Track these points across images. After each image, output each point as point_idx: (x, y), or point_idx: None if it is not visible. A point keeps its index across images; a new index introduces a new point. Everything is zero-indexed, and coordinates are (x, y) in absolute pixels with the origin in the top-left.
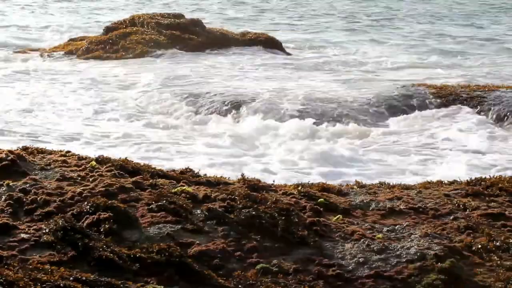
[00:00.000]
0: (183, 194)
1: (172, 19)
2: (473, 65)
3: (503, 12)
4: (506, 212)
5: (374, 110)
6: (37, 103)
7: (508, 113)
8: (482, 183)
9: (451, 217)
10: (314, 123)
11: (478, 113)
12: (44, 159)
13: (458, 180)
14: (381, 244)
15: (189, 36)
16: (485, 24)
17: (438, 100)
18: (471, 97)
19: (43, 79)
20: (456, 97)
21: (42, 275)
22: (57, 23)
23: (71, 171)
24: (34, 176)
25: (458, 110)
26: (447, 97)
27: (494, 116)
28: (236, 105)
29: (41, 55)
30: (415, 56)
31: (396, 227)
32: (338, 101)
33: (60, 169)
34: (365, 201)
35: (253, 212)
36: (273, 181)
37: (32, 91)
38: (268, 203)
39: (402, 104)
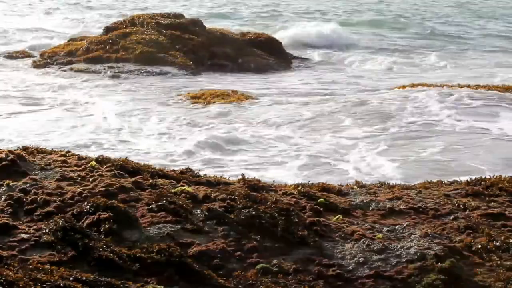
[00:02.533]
0: (183, 194)
1: (172, 19)
2: None
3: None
4: (506, 212)
5: None
6: None
7: None
8: (482, 183)
9: (451, 217)
10: None
11: None
12: (44, 159)
13: (458, 180)
14: (381, 244)
15: (189, 36)
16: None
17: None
18: None
19: None
20: None
21: (42, 275)
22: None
23: (71, 171)
24: (34, 176)
25: None
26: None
27: None
28: None
29: (41, 56)
30: None
31: (396, 227)
32: None
33: (60, 169)
34: (365, 201)
35: (253, 212)
36: (273, 181)
37: None
38: (268, 203)
39: None
